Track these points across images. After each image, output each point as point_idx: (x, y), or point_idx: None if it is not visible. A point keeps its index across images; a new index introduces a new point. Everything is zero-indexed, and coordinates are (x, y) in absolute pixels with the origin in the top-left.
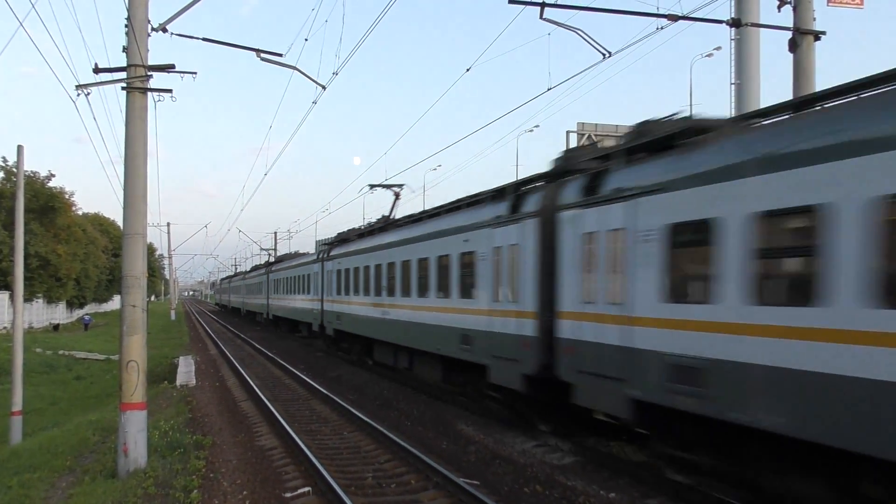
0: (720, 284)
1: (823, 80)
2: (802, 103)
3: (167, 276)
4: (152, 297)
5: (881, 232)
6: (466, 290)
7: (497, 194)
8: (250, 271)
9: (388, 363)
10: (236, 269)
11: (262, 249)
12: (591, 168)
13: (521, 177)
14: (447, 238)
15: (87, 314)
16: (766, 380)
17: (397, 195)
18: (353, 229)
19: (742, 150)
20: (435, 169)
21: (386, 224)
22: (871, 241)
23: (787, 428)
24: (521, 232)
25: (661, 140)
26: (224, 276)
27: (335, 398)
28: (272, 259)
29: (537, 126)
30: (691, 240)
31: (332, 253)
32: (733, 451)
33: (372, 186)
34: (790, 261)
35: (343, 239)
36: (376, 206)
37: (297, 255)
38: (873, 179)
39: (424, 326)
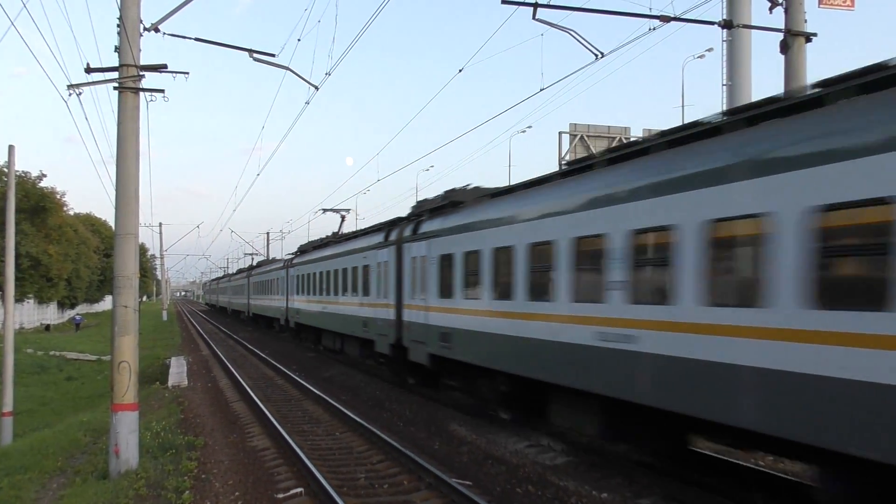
0: (454, 288)
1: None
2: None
3: (159, 277)
4: (144, 298)
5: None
6: (365, 291)
7: (381, 227)
8: (235, 274)
9: (330, 346)
10: (227, 269)
11: (245, 254)
12: (417, 216)
13: (451, 193)
14: (354, 255)
15: (78, 314)
16: (462, 335)
17: (343, 217)
18: (309, 243)
19: (468, 216)
20: (427, 170)
21: (326, 241)
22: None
23: (476, 359)
24: (388, 253)
25: (440, 206)
26: (212, 279)
27: (327, 399)
28: (254, 262)
29: (530, 127)
30: (447, 264)
31: (294, 261)
32: (468, 377)
33: (325, 210)
34: (471, 276)
35: (303, 250)
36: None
37: (271, 261)
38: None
39: (346, 317)
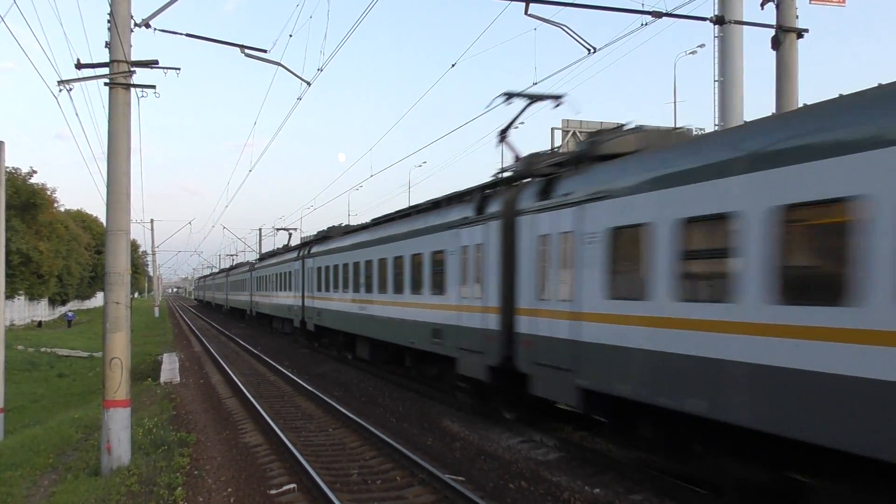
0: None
1: (806, 76)
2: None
3: (151, 273)
4: (136, 294)
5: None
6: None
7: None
8: (234, 268)
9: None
10: (220, 266)
11: (234, 254)
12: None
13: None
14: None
15: (70, 311)
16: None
17: (290, 234)
18: (334, 227)
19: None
20: (420, 165)
21: (364, 226)
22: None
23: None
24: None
25: (324, 237)
26: (205, 275)
27: (320, 395)
28: (234, 263)
29: (522, 123)
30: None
31: (313, 250)
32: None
33: (277, 229)
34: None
35: (326, 236)
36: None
37: (281, 250)
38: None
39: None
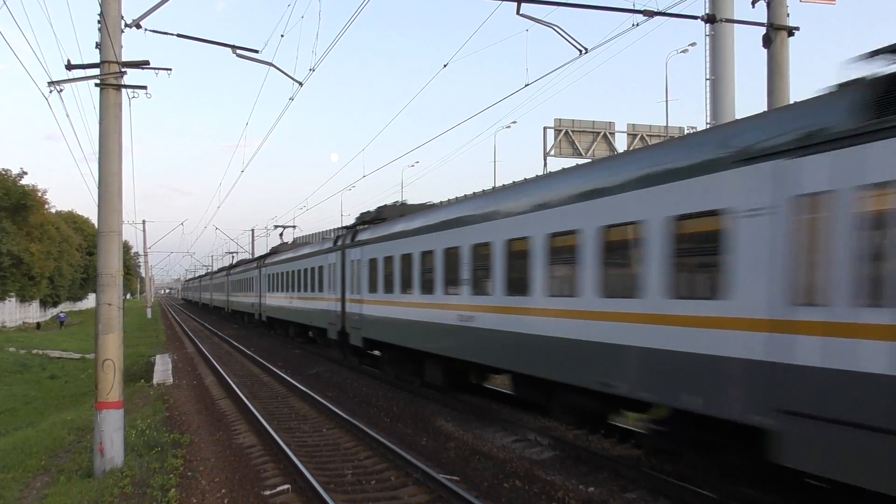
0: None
1: (797, 74)
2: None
3: (143, 275)
4: (128, 296)
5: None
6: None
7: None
8: (234, 266)
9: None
10: (212, 266)
11: (234, 251)
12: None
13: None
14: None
15: (62, 312)
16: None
17: (281, 233)
18: (389, 206)
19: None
20: (412, 166)
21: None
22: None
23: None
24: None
25: (374, 218)
26: (197, 275)
27: (314, 395)
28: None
29: (514, 122)
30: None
31: (359, 237)
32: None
33: (276, 227)
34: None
35: (375, 219)
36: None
37: (299, 244)
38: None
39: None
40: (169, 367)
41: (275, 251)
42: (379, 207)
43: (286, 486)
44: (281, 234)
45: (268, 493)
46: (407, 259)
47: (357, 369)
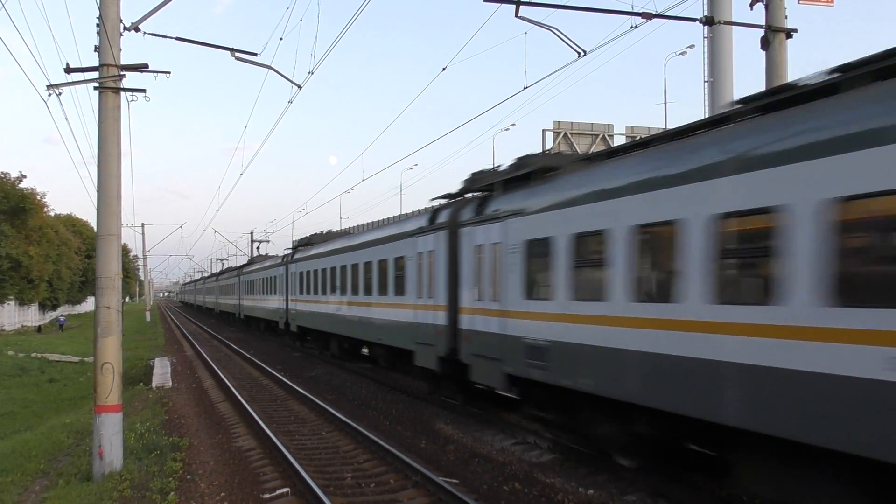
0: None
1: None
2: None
3: (142, 278)
4: (127, 299)
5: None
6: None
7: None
8: (247, 266)
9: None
10: (211, 270)
11: (231, 254)
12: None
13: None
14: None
15: (62, 315)
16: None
17: (258, 246)
18: (316, 234)
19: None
20: (412, 168)
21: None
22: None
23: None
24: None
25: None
26: (200, 277)
27: (313, 398)
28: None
29: (513, 124)
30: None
31: (295, 256)
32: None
33: (252, 241)
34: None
35: (305, 243)
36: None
37: (264, 257)
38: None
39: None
40: (168, 371)
41: (307, 243)
42: (311, 234)
43: (285, 490)
44: (258, 247)
45: (267, 496)
46: (317, 273)
47: (355, 371)
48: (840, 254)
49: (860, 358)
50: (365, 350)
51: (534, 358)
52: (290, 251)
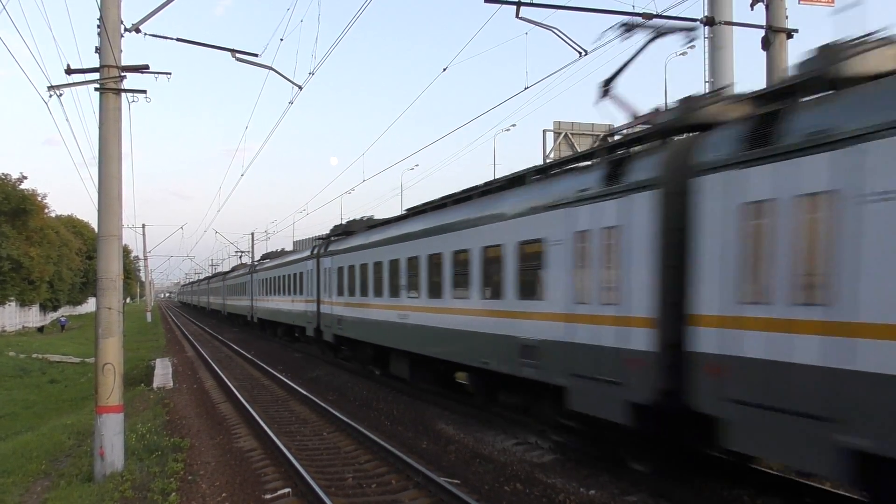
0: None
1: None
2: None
3: (143, 278)
4: (128, 300)
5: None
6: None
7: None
8: (231, 271)
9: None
10: (213, 271)
11: (210, 264)
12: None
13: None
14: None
15: (63, 316)
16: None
17: (241, 256)
18: (357, 220)
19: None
20: (412, 169)
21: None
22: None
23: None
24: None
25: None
26: (186, 282)
27: (314, 399)
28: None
29: (514, 125)
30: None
31: (329, 248)
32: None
33: (239, 254)
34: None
35: (345, 231)
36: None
37: (283, 252)
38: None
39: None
40: (169, 371)
41: (344, 231)
42: (348, 222)
43: (287, 490)
44: (240, 257)
45: (269, 496)
46: (368, 267)
47: (356, 372)
48: (521, 270)
49: (503, 325)
50: (460, 377)
51: (340, 324)
52: (320, 243)
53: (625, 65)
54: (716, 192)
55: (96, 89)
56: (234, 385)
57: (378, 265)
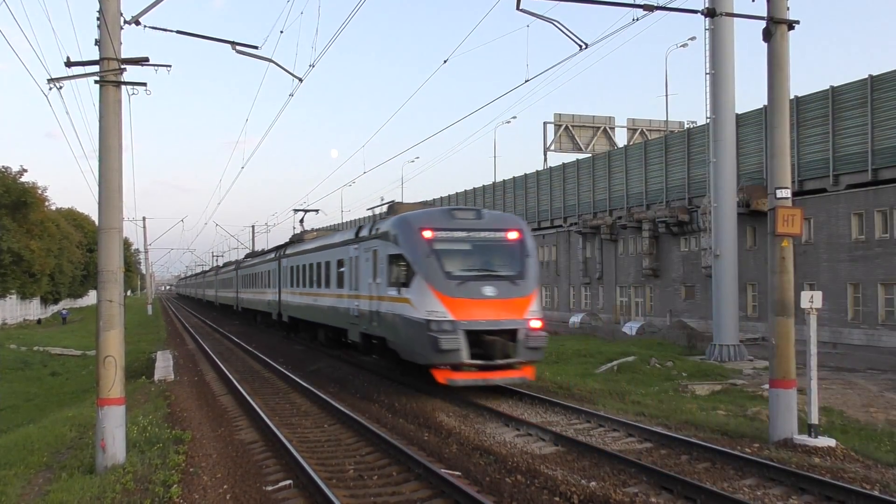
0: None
1: (797, 68)
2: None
3: (143, 271)
4: (129, 293)
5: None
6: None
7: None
8: (222, 267)
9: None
10: (214, 263)
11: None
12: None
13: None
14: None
15: (64, 309)
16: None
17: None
18: (307, 231)
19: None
20: (413, 161)
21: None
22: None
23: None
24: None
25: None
26: (184, 276)
27: (316, 391)
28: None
29: (515, 117)
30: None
31: (286, 252)
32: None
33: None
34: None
35: (295, 240)
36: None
37: (259, 252)
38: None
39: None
40: (170, 364)
41: (297, 239)
42: (301, 231)
43: (288, 482)
44: (301, 221)
45: (270, 488)
46: (298, 268)
47: (358, 364)
48: (337, 273)
49: (335, 301)
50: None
51: (291, 308)
52: (282, 247)
53: None
54: (359, 250)
55: (96, 82)
56: (235, 377)
57: (303, 267)
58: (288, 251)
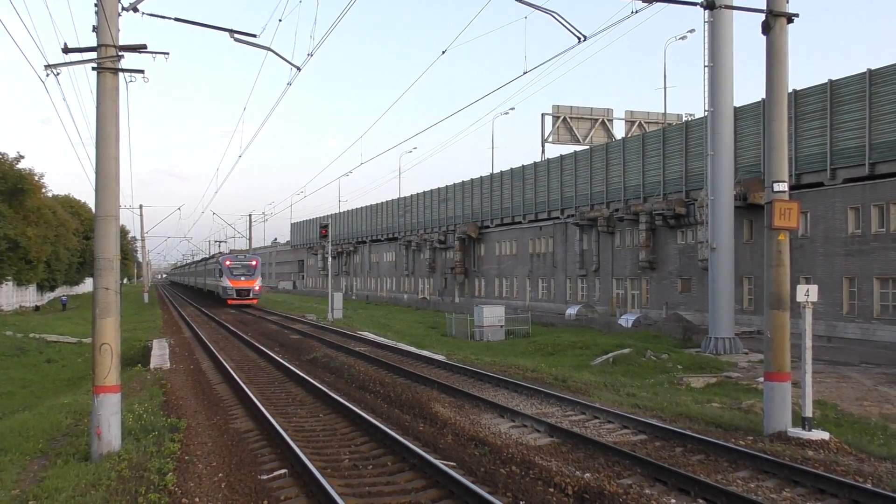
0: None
1: (796, 61)
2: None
3: (140, 259)
4: (125, 280)
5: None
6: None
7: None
8: (200, 262)
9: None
10: (210, 252)
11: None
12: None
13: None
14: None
15: (63, 296)
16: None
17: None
18: (224, 251)
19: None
20: (410, 152)
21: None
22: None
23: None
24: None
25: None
26: (175, 266)
27: (311, 380)
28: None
29: (513, 109)
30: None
31: (218, 259)
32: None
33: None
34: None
35: (216, 254)
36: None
37: (215, 254)
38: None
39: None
40: (166, 352)
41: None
42: (215, 254)
43: (283, 471)
44: (219, 244)
45: (265, 477)
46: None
47: (354, 353)
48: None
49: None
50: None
51: (221, 291)
52: (218, 255)
53: None
54: (214, 265)
55: (94, 69)
56: (230, 366)
57: (211, 269)
58: (209, 262)
